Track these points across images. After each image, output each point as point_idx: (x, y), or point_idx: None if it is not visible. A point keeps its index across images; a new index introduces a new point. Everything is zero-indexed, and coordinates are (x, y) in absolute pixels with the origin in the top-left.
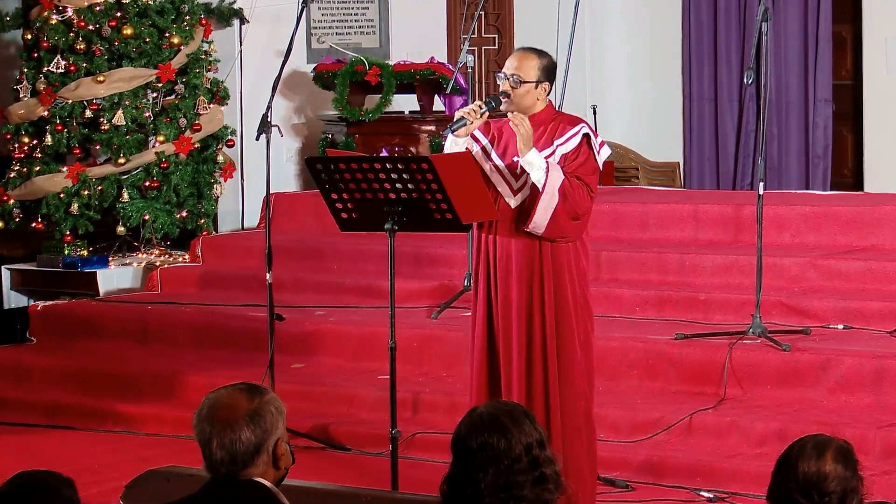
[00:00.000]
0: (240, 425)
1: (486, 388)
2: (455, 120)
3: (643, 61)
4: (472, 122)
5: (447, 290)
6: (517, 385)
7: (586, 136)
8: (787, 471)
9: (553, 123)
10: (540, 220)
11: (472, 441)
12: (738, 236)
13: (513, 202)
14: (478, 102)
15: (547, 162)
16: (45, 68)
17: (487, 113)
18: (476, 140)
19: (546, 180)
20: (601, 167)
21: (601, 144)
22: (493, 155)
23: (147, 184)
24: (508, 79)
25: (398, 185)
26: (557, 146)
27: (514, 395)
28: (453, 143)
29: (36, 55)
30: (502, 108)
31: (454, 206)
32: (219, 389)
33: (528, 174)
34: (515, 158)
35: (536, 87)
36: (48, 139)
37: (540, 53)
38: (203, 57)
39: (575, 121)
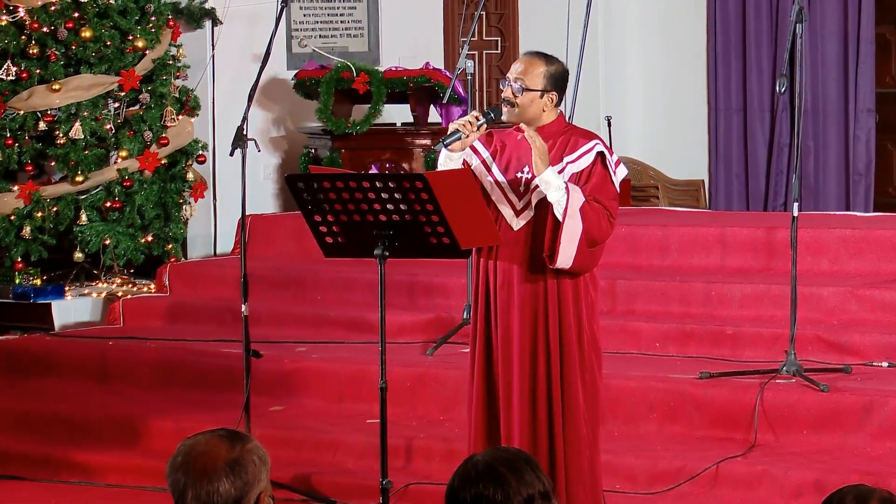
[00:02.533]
0: (218, 475)
1: (484, 434)
2: (449, 132)
3: (663, 67)
4: (467, 136)
5: (444, 324)
6: (518, 430)
7: (601, 154)
8: None
9: (563, 137)
10: (566, 253)
11: (466, 493)
12: (770, 263)
13: (515, 224)
14: (474, 113)
15: (566, 183)
16: None
17: (486, 125)
18: (476, 152)
19: (567, 202)
20: (618, 189)
21: (616, 163)
22: (495, 169)
23: (108, 204)
24: (511, 85)
25: (389, 206)
26: (567, 163)
27: (515, 442)
28: (447, 159)
29: None
30: (504, 118)
31: (452, 229)
32: (196, 435)
33: (533, 192)
34: (519, 174)
35: (542, 96)
36: None
37: (549, 59)
38: (171, 62)
39: (588, 136)
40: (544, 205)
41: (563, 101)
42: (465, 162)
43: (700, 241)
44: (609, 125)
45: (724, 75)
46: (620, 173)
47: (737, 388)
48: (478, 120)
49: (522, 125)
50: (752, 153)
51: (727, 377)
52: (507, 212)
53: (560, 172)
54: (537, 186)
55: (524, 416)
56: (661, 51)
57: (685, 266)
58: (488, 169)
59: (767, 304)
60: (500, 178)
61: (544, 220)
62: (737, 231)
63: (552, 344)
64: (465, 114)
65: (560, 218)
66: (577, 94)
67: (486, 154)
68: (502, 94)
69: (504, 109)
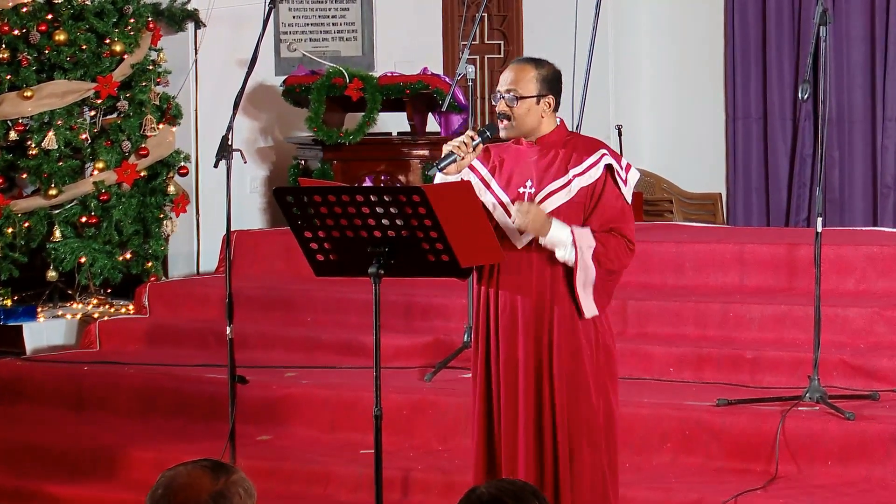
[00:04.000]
0: None
1: (484, 466)
2: (443, 155)
3: (678, 72)
4: (463, 157)
5: (443, 347)
6: (524, 462)
7: (609, 167)
8: None
9: (566, 148)
10: (588, 303)
11: None
12: (793, 282)
13: (519, 242)
14: (469, 133)
15: (572, 232)
16: None
17: (482, 144)
18: (474, 170)
19: (577, 257)
20: (630, 200)
21: (627, 169)
22: (495, 186)
23: (83, 220)
24: (504, 97)
25: (384, 221)
26: (574, 176)
27: (521, 474)
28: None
29: None
30: (502, 134)
31: (452, 246)
32: (177, 466)
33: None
34: (521, 189)
35: (538, 101)
36: None
37: (538, 62)
38: (151, 67)
39: (594, 145)
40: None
41: (560, 106)
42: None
43: (717, 258)
44: (620, 135)
45: (742, 81)
46: (632, 180)
47: (756, 416)
48: (473, 140)
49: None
50: (773, 165)
51: (746, 404)
52: (509, 230)
53: (567, 185)
54: (540, 202)
55: (530, 448)
56: (675, 55)
57: (701, 286)
58: (488, 186)
59: (789, 326)
60: (502, 195)
61: None
62: (756, 248)
63: (558, 370)
64: (465, 122)
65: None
66: (586, 102)
67: (484, 171)
68: (496, 110)
69: (501, 125)
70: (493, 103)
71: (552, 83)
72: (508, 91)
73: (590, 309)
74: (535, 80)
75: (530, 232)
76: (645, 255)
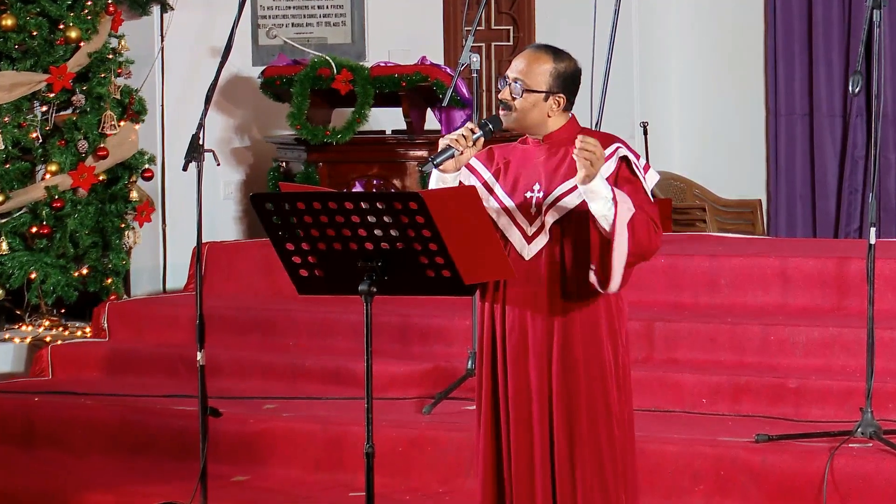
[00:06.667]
0: None
1: None
2: (439, 150)
3: (711, 63)
4: (462, 152)
5: (444, 376)
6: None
7: (624, 158)
8: None
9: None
10: (618, 275)
11: None
12: (842, 301)
13: (527, 252)
14: (469, 125)
15: (613, 190)
16: None
17: (483, 139)
18: (475, 172)
19: (616, 215)
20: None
21: (645, 169)
22: (499, 191)
23: (34, 230)
24: (511, 85)
25: (377, 232)
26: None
27: None
28: (440, 181)
29: None
30: (502, 120)
31: (454, 259)
32: None
33: (546, 213)
34: (528, 194)
35: (546, 98)
36: None
37: (557, 54)
38: (111, 57)
39: (607, 140)
40: (559, 226)
41: (573, 107)
42: (461, 184)
43: (756, 274)
44: (645, 133)
45: (785, 73)
46: (651, 180)
47: (802, 453)
48: (473, 133)
49: (577, 140)
50: (820, 168)
51: (789, 440)
52: (516, 239)
53: (575, 189)
54: (550, 207)
55: (546, 489)
56: (708, 43)
57: (738, 305)
58: (491, 191)
59: (838, 351)
60: (507, 201)
61: (558, 245)
62: (801, 262)
63: (576, 397)
64: (469, 119)
65: (608, 233)
66: (606, 96)
67: (487, 175)
68: (499, 96)
69: (501, 112)
70: (499, 88)
71: (567, 81)
72: (516, 80)
73: (616, 282)
74: (548, 74)
75: (589, 168)
76: (675, 270)
